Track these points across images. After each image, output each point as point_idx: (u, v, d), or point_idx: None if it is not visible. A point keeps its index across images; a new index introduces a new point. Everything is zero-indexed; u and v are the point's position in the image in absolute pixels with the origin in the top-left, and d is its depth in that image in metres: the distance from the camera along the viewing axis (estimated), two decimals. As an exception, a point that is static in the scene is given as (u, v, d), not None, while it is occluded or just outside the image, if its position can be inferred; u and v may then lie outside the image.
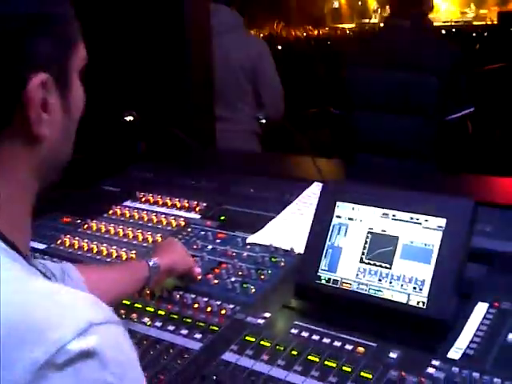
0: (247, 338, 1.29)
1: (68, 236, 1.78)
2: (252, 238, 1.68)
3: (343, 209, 1.41)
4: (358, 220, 1.39)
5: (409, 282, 1.29)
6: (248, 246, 1.65)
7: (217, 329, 1.34)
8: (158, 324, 1.37)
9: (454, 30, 15.29)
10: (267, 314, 1.36)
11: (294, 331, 1.30)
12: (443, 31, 13.86)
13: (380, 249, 1.34)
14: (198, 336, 1.32)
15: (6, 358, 0.58)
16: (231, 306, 1.40)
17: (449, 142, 2.98)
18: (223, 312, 1.38)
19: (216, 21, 3.09)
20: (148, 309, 1.43)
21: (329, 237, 1.41)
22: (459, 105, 2.93)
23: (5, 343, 0.59)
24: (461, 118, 2.93)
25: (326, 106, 3.30)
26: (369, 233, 1.37)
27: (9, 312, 0.61)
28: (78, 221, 1.88)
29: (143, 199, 1.97)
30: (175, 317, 1.39)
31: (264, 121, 2.26)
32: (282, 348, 1.25)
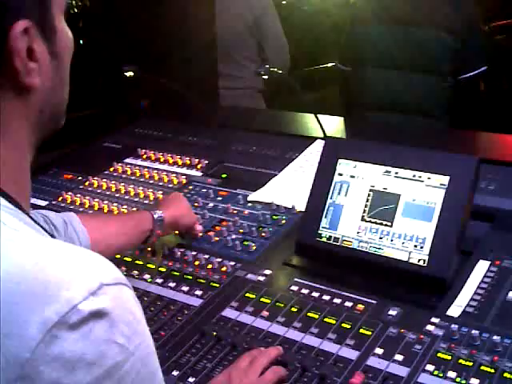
0: (247, 294, 1.30)
1: (69, 193, 1.78)
2: (253, 196, 1.67)
3: (345, 166, 1.40)
4: (359, 178, 1.38)
5: (410, 239, 1.28)
6: (249, 204, 1.64)
7: (217, 285, 1.34)
8: (159, 281, 1.38)
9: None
10: (268, 272, 1.36)
11: (294, 288, 1.30)
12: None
13: (381, 207, 1.33)
14: (199, 293, 1.32)
15: (20, 317, 0.58)
16: (232, 263, 1.40)
17: (462, 101, 2.92)
18: (224, 269, 1.38)
19: None
20: (149, 265, 1.43)
21: (330, 194, 1.39)
22: (473, 63, 2.87)
23: (18, 303, 0.59)
24: (474, 76, 2.87)
25: (334, 62, 3.25)
26: (370, 190, 1.35)
27: (21, 272, 0.60)
28: (80, 178, 1.87)
29: (145, 156, 1.96)
30: (176, 274, 1.39)
31: (266, 76, 2.22)
32: (281, 305, 1.25)
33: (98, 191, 1.79)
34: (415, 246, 1.27)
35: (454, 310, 1.17)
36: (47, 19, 0.72)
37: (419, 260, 1.26)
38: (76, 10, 3.00)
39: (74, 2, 3.08)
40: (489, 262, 1.27)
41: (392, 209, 1.32)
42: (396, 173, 1.34)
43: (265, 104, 3.24)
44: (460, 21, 2.81)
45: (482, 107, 3.02)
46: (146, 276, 1.39)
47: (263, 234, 1.50)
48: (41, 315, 0.58)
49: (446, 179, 1.27)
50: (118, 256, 1.46)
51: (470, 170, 1.26)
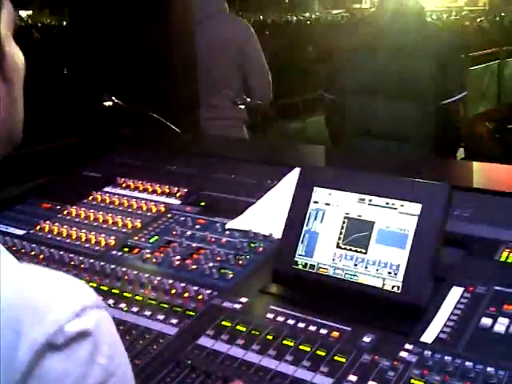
0: (223, 322, 1.29)
1: (47, 222, 1.77)
2: (231, 224, 1.67)
3: (320, 194, 1.41)
4: (334, 205, 1.39)
5: (384, 266, 1.29)
6: (227, 232, 1.64)
7: (193, 314, 1.34)
8: (135, 309, 1.37)
9: (445, 14, 15.34)
10: (244, 299, 1.37)
11: (270, 316, 1.30)
12: (434, 16, 13.91)
13: (356, 234, 1.34)
14: (175, 321, 1.32)
15: (9, 343, 0.59)
16: (208, 292, 1.40)
17: (444, 126, 2.98)
18: (200, 297, 1.38)
19: (202, 5, 3.08)
20: (125, 294, 1.43)
21: (306, 222, 1.41)
22: (454, 89, 2.94)
23: (4, 327, 0.60)
24: (455, 102, 2.94)
25: (320, 91, 3.31)
26: (345, 218, 1.37)
27: (6, 299, 0.62)
28: (58, 207, 1.87)
29: (124, 185, 1.96)
30: (152, 302, 1.39)
31: (243, 106, 2.26)
32: (257, 333, 1.25)
33: (76, 220, 1.79)
34: (389, 273, 1.28)
35: (428, 337, 1.18)
36: None
37: (393, 287, 1.27)
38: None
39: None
40: (462, 289, 1.29)
41: (366, 236, 1.33)
42: (370, 200, 1.35)
43: (249, 134, 3.28)
44: (442, 48, 2.88)
45: (462, 132, 3.08)
46: (122, 305, 1.39)
47: (240, 262, 1.50)
48: (29, 338, 0.60)
49: (418, 206, 1.29)
50: (94, 284, 1.46)
51: (441, 198, 1.28)
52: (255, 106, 2.29)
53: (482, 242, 1.43)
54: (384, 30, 2.97)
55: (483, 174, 1.90)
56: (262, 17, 14.87)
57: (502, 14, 11.65)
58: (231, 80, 3.22)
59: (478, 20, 12.58)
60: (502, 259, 1.36)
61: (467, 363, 1.09)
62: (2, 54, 0.73)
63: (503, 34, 10.50)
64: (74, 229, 1.71)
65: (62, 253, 1.60)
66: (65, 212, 1.83)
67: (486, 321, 1.19)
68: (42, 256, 1.62)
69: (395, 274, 1.27)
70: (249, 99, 2.15)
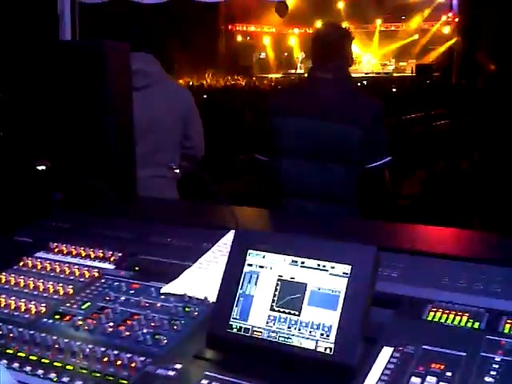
0: (157, 390, 1.27)
1: (-25, 290, 1.71)
2: (166, 288, 1.67)
3: (254, 257, 1.43)
4: (268, 268, 1.41)
5: (317, 328, 1.31)
6: (162, 296, 1.63)
7: (126, 382, 1.31)
8: (65, 379, 1.33)
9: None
10: (178, 366, 1.35)
11: (204, 382, 1.29)
12: (365, 82, 14.55)
13: (289, 296, 1.37)
14: (106, 391, 1.29)
15: None
16: (142, 359, 1.37)
17: (368, 189, 3.11)
18: (133, 365, 1.36)
19: (144, 73, 3.17)
20: (56, 364, 1.39)
21: (240, 285, 1.42)
22: (379, 154, 3.08)
23: None
24: (380, 166, 3.07)
25: (253, 152, 3.42)
26: (279, 280, 1.39)
27: None
28: (-13, 273, 1.81)
29: (56, 250, 1.93)
30: (84, 371, 1.35)
31: (178, 170, 2.29)
32: (191, 400, 1.24)
33: (6, 287, 1.73)
34: (322, 335, 1.30)
35: (360, 398, 1.20)
36: None
37: (326, 348, 1.29)
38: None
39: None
40: (392, 349, 1.32)
41: (299, 298, 1.35)
42: (302, 262, 1.39)
43: (178, 193, 3.37)
44: (366, 115, 3.03)
45: (387, 194, 3.22)
46: (52, 375, 1.34)
47: (175, 327, 1.49)
48: None
49: (348, 268, 1.33)
50: (23, 354, 1.41)
51: (369, 259, 1.33)
52: (188, 169, 2.37)
53: (409, 302, 1.48)
54: (313, 96, 3.11)
55: (409, 235, 1.98)
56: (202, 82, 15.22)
57: (428, 82, 12.35)
58: (169, 141, 3.31)
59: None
60: (429, 318, 1.41)
61: (398, 423, 1.11)
62: None
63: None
64: (3, 296, 1.66)
65: (-11, 322, 1.54)
66: (-7, 279, 1.78)
67: (415, 380, 1.22)
68: (-33, 326, 1.55)
69: (327, 336, 1.29)
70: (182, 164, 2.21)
